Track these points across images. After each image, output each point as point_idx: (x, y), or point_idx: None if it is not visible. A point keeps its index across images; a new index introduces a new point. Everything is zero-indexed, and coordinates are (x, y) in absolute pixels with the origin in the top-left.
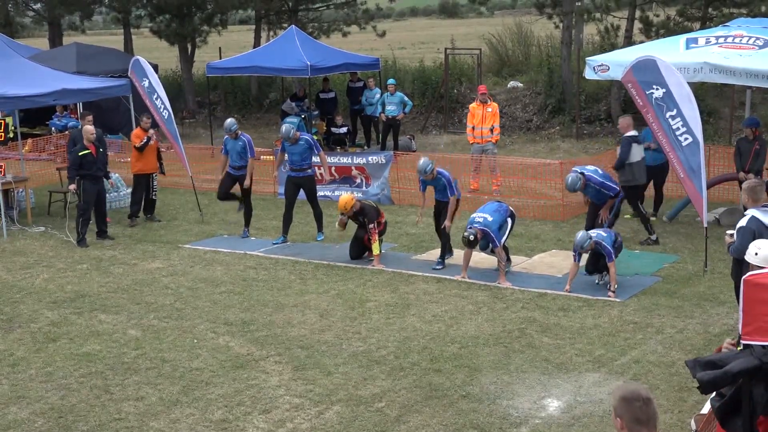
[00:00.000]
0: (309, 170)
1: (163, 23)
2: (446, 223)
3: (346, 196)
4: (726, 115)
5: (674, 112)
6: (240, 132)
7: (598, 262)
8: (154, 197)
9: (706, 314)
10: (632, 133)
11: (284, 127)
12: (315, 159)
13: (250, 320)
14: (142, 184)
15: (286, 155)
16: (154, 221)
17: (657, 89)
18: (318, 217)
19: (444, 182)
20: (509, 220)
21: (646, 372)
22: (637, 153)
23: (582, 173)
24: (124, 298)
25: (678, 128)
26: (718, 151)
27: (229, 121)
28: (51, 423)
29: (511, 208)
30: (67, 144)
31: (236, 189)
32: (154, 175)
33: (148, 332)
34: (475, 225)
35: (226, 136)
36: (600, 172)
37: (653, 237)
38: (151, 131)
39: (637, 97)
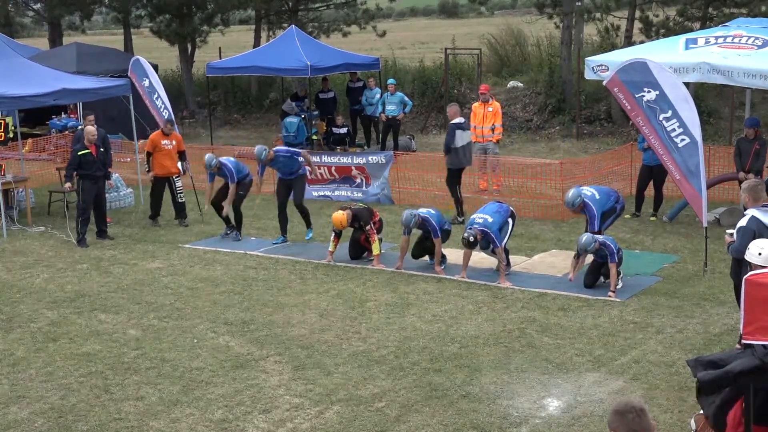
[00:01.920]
0: (299, 171)
1: (163, 23)
2: (436, 267)
3: (338, 214)
4: (726, 115)
5: (669, 114)
6: (220, 163)
7: (597, 273)
8: (180, 200)
9: (706, 314)
10: (458, 120)
11: (257, 149)
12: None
13: (250, 320)
14: (158, 186)
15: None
16: (183, 225)
17: (648, 92)
18: (304, 214)
19: (428, 227)
20: (510, 221)
21: (646, 372)
22: (461, 139)
23: (582, 197)
24: (124, 298)
25: (674, 130)
26: (718, 151)
27: (208, 157)
28: (51, 423)
29: (511, 208)
30: (72, 141)
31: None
32: (173, 177)
33: (148, 332)
34: (475, 226)
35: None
36: (597, 198)
37: (460, 218)
38: (164, 142)
39: (624, 101)
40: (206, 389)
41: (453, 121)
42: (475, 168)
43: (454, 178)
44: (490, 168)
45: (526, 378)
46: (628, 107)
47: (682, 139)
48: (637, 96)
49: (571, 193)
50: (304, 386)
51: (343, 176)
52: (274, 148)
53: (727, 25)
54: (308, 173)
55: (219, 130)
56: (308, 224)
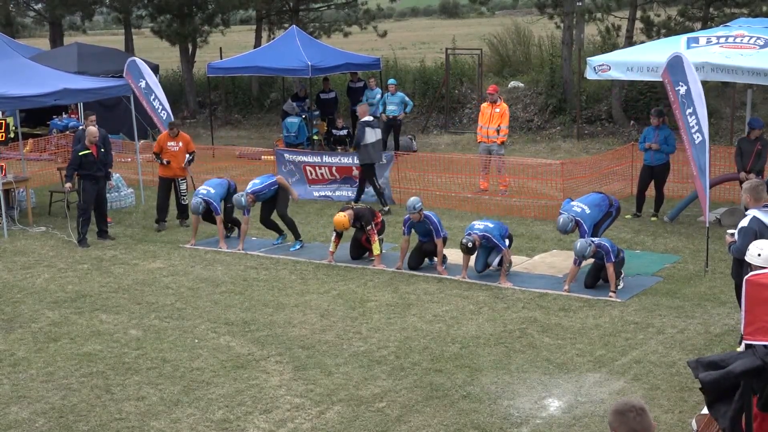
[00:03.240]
0: (274, 188)
1: (164, 23)
2: (438, 267)
3: (340, 216)
4: (727, 115)
5: (691, 110)
6: (209, 205)
7: (598, 275)
8: (183, 202)
9: (707, 314)
10: (367, 118)
11: (235, 200)
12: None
13: (251, 320)
14: (163, 188)
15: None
16: (184, 226)
17: (682, 86)
18: (290, 225)
19: (429, 226)
20: (507, 241)
21: (647, 372)
22: (371, 136)
23: (576, 219)
24: (125, 298)
25: (693, 126)
26: (719, 152)
27: (194, 203)
28: (52, 423)
29: (510, 232)
30: (72, 142)
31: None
32: (179, 180)
33: (149, 332)
34: (475, 231)
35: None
36: (588, 213)
37: (385, 209)
38: (170, 144)
39: (670, 93)
40: (207, 389)
41: (362, 120)
42: (477, 168)
43: (369, 172)
44: (496, 169)
45: (527, 378)
46: (672, 99)
47: (698, 137)
48: (676, 89)
49: (562, 219)
50: (305, 386)
51: (344, 176)
52: (251, 189)
53: (728, 25)
54: (310, 174)
55: (220, 131)
56: (296, 235)
